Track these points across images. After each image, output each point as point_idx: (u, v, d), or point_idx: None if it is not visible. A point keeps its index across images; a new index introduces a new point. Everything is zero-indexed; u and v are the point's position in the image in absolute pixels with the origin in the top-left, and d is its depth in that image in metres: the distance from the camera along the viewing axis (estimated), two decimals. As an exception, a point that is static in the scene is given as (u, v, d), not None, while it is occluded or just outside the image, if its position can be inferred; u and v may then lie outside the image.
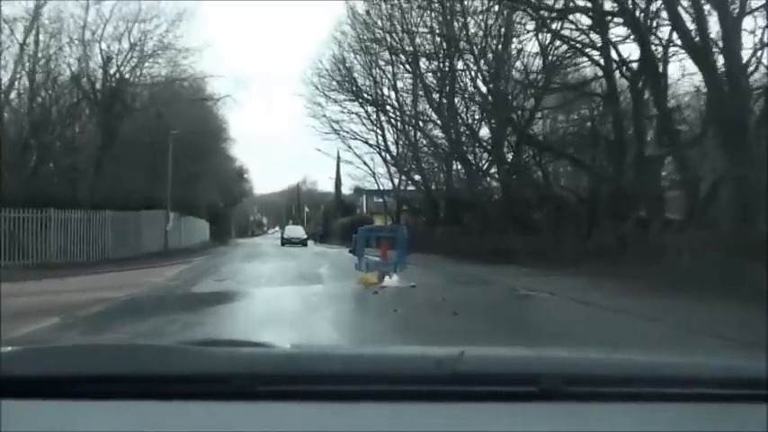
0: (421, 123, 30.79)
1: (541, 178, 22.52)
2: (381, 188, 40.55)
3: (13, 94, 22.83)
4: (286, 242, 45.57)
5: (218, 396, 1.16)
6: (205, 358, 1.28)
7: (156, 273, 19.07)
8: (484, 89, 24.32)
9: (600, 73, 19.09)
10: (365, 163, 39.09)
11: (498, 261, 18.92)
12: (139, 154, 27.51)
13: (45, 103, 23.72)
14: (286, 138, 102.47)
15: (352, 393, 1.18)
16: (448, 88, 26.07)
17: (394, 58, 28.73)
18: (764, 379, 1.23)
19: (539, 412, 1.16)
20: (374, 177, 39.83)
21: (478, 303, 9.41)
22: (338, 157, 56.82)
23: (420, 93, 29.31)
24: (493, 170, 27.34)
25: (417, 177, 33.49)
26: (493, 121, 24.15)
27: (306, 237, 48.52)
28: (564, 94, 21.32)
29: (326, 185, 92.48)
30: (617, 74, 18.14)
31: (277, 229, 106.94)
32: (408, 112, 31.42)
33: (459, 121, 26.65)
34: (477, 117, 26.27)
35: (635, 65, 16.74)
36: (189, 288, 13.27)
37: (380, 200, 52.75)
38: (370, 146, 36.34)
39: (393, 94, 31.96)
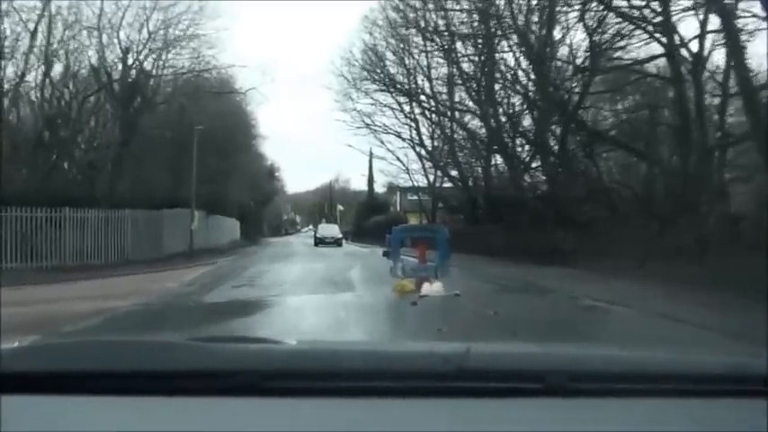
0: (457, 114, 28.97)
1: (593, 170, 20.61)
2: (416, 185, 38.76)
3: (26, 87, 21.56)
4: (319, 242, 42.70)
5: (225, 392, 1.16)
6: (211, 354, 1.28)
7: (175, 276, 17.67)
8: (525, 76, 22.49)
9: (654, 53, 17.13)
10: (398, 159, 37.42)
11: (547, 262, 17.12)
12: (162, 150, 26.23)
13: (62, 97, 22.44)
14: (316, 134, 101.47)
15: (359, 389, 1.18)
16: (487, 72, 24.17)
17: (428, 44, 26.90)
18: (765, 375, 1.22)
19: (544, 408, 1.16)
20: (408, 174, 38.14)
21: (539, 320, 7.64)
22: (371, 154, 55.34)
23: (456, 80, 27.48)
24: (536, 163, 25.51)
25: (454, 173, 31.70)
26: (536, 109, 22.27)
27: (341, 236, 45.59)
28: (617, 77, 19.38)
29: (359, 183, 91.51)
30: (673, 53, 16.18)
31: (310, 227, 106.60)
32: (444, 103, 29.58)
33: (500, 110, 24.78)
34: (519, 105, 24.37)
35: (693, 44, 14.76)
36: (201, 297, 11.75)
37: (415, 197, 51.24)
38: (404, 140, 34.61)
39: (427, 84, 30.18)
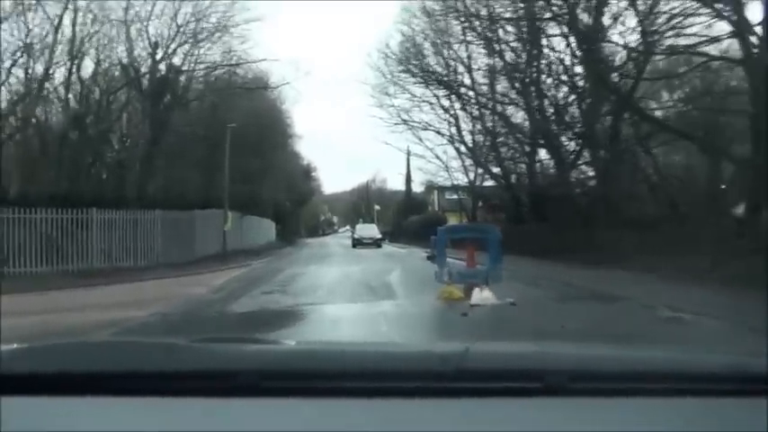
0: (499, 107, 27.57)
1: (649, 163, 19.12)
2: (455, 183, 37.40)
3: (53, 84, 20.84)
4: (357, 243, 40.35)
5: (224, 392, 1.16)
6: (210, 355, 1.30)
7: (205, 280, 16.72)
8: (573, 59, 21.03)
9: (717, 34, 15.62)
10: (437, 157, 36.12)
11: (601, 264, 15.75)
12: (193, 148, 25.39)
13: (90, 94, 21.69)
14: (352, 133, 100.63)
15: (357, 390, 1.18)
16: (533, 57, 22.72)
17: (468, 33, 25.55)
18: (765, 374, 1.22)
19: (544, 408, 1.15)
20: (447, 171, 36.81)
21: (617, 336, 6.41)
22: (408, 152, 54.27)
23: (499, 70, 26.07)
24: (584, 157, 24.04)
25: (496, 170, 30.32)
26: (586, 97, 20.82)
27: (380, 236, 43.17)
28: (673, 62, 17.90)
29: (396, 183, 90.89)
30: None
31: (348, 227, 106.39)
32: (485, 95, 28.17)
33: (546, 101, 23.34)
34: (566, 94, 22.87)
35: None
36: (227, 305, 10.70)
37: (453, 196, 49.90)
38: (443, 136, 33.28)
39: (468, 76, 28.81)
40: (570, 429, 1.12)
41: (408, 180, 58.62)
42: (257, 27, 31.38)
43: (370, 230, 44.76)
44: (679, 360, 1.41)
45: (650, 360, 1.40)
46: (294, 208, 58.11)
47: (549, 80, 23.17)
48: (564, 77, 22.48)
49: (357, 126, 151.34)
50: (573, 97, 22.56)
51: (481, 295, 9.44)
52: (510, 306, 8.63)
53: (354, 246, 39.68)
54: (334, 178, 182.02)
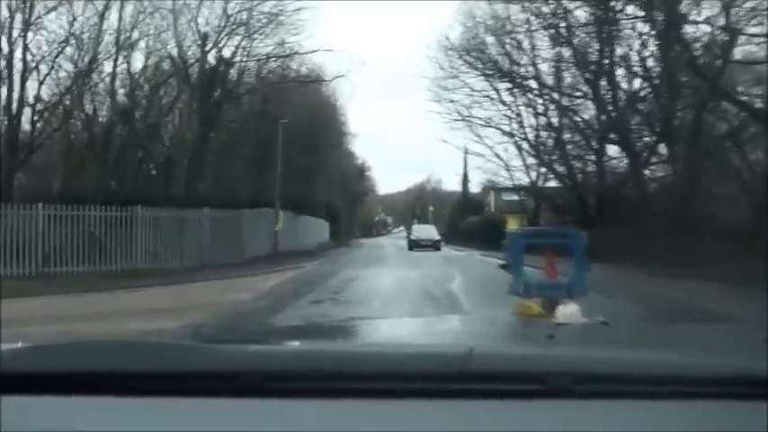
0: (566, 100, 25.79)
1: (739, 159, 17.24)
2: (516, 183, 35.62)
3: (99, 76, 20.04)
4: (414, 245, 37.35)
5: (226, 393, 1.16)
6: (213, 355, 1.29)
7: (252, 284, 15.62)
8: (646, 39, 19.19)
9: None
10: (497, 155, 34.42)
11: (691, 273, 14.02)
12: (243, 145, 24.36)
13: (137, 87, 20.85)
14: (408, 133, 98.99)
15: (360, 391, 1.17)
16: (605, 41, 20.91)
17: (533, 20, 23.84)
18: (766, 378, 1.21)
19: (547, 410, 1.15)
20: (507, 171, 35.06)
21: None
22: (465, 151, 52.73)
23: (566, 59, 24.31)
24: (656, 155, 22.18)
25: (561, 169, 28.52)
26: (663, 85, 18.98)
27: (439, 238, 39.70)
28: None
29: (451, 184, 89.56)
30: None
31: (402, 228, 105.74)
32: (552, 87, 26.34)
33: (620, 92, 21.52)
34: (642, 84, 21.01)
35: None
36: (270, 316, 9.47)
37: (513, 197, 48.03)
38: (505, 133, 31.56)
39: (532, 69, 27.03)
40: (573, 431, 1.12)
41: (465, 180, 57.00)
42: (311, 18, 30.02)
43: (428, 232, 41.56)
44: (682, 363, 1.35)
45: (653, 362, 1.35)
46: (348, 208, 57.21)
47: (623, 69, 21.34)
48: (639, 66, 20.67)
49: (413, 124, 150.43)
50: (647, 87, 20.68)
51: (566, 312, 7.84)
52: (601, 325, 7.14)
53: (411, 248, 37.17)
54: (389, 179, 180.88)
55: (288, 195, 26.85)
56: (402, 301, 11.38)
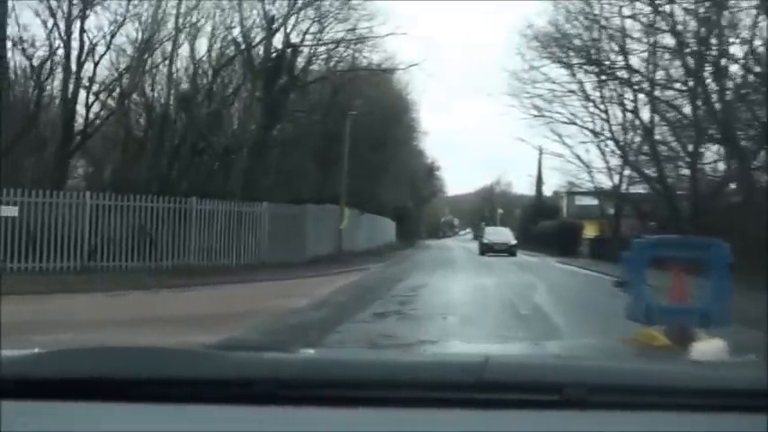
0: (659, 93, 23.31)
1: None
2: (597, 186, 33.09)
3: (157, 59, 18.84)
4: (487, 249, 33.89)
5: (241, 400, 1.17)
6: (228, 362, 1.29)
7: (309, 288, 14.08)
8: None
9: None
10: (578, 157, 32.04)
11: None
12: (309, 137, 22.88)
13: (197, 73, 19.60)
14: (479, 133, 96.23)
15: (376, 399, 1.17)
16: (712, 27, 18.51)
17: (625, 4, 21.47)
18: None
19: (563, 421, 1.15)
20: (589, 173, 32.64)
21: None
22: (540, 151, 50.38)
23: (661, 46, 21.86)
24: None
25: (650, 172, 26.04)
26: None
27: (515, 242, 35.92)
28: None
29: (522, 187, 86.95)
30: None
31: (468, 230, 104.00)
32: (646, 78, 23.84)
33: (731, 86, 19.07)
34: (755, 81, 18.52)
35: None
36: (324, 332, 7.78)
37: (589, 202, 45.52)
38: (589, 131, 29.14)
39: (622, 61, 24.55)
40: None
41: (539, 182, 54.41)
42: (386, 5, 28.26)
43: (503, 235, 37.47)
44: (702, 375, 1.35)
45: (673, 374, 1.35)
46: (416, 208, 55.50)
47: (731, 58, 18.87)
48: (749, 55, 18.23)
49: (484, 124, 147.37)
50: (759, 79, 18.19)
51: (708, 347, 5.98)
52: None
53: (483, 252, 33.88)
54: (456, 179, 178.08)
55: (354, 192, 25.37)
56: (482, 317, 9.56)
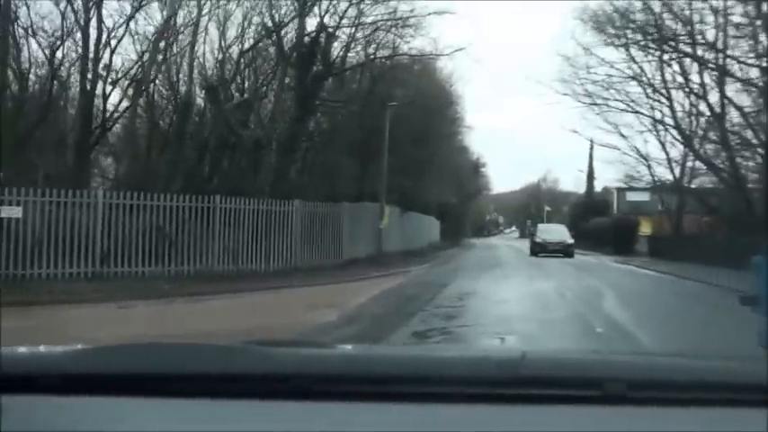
0: (732, 66, 20.97)
1: None
2: (659, 181, 30.74)
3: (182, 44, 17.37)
4: (540, 249, 30.47)
5: (277, 395, 1.18)
6: (265, 358, 1.30)
7: (342, 295, 12.50)
8: None
9: None
10: (636, 149, 29.79)
11: None
12: (345, 129, 21.21)
13: (225, 60, 18.10)
14: (525, 128, 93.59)
15: (412, 394, 1.17)
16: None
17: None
18: None
19: (602, 416, 1.14)
20: (648, 166, 30.35)
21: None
22: (591, 145, 48.15)
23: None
24: None
25: (719, 162, 23.71)
26: None
27: (572, 242, 31.78)
28: None
29: (568, 184, 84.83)
30: None
31: (513, 228, 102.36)
32: (721, 51, 21.44)
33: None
34: None
35: None
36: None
37: (642, 197, 43.34)
38: (652, 119, 26.79)
39: (688, 39, 22.20)
40: None
41: (591, 176, 52.13)
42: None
43: (558, 233, 33.08)
44: (745, 371, 1.32)
45: (714, 370, 1.33)
46: (461, 205, 53.58)
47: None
48: None
49: (529, 121, 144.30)
50: None
51: None
52: None
53: (535, 253, 30.52)
54: (501, 176, 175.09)
55: (395, 189, 23.63)
56: (549, 337, 7.69)
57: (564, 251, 29.93)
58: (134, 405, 1.16)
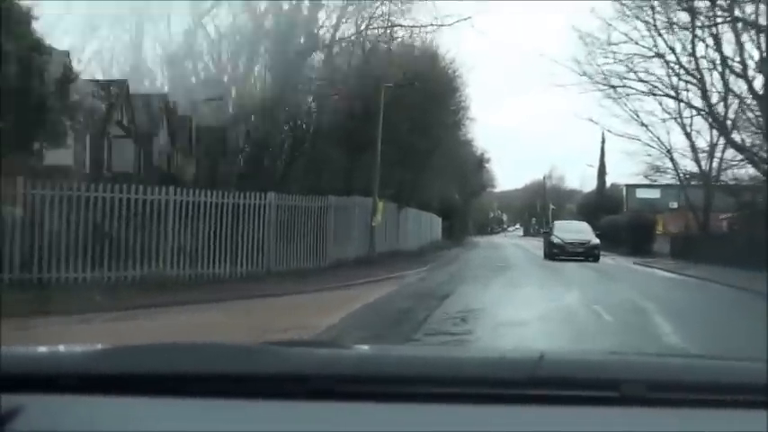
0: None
1: None
2: (686, 173, 28.13)
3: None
4: (560, 251, 25.14)
5: (297, 395, 1.17)
6: (285, 358, 1.29)
7: (320, 307, 10.25)
8: None
9: None
10: (658, 139, 27.14)
11: None
12: (333, 112, 18.58)
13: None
14: (530, 124, 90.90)
15: (429, 395, 1.17)
16: None
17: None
18: None
19: (620, 418, 1.13)
20: (671, 160, 27.65)
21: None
22: (603, 139, 45.65)
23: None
24: None
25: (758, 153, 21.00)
26: None
27: (597, 242, 26.28)
28: None
29: (574, 182, 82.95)
30: None
31: (517, 226, 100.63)
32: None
33: None
34: None
35: None
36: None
37: (652, 195, 40.93)
38: (680, 103, 24.09)
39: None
40: None
41: (602, 171, 49.55)
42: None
43: (580, 232, 26.95)
44: (762, 371, 1.26)
45: (734, 370, 1.32)
46: (464, 202, 51.03)
47: None
48: None
49: (534, 119, 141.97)
50: None
51: None
52: None
53: (552, 256, 25.30)
54: (504, 174, 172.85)
55: (391, 183, 21.03)
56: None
57: (588, 253, 25.05)
58: (152, 405, 1.17)
